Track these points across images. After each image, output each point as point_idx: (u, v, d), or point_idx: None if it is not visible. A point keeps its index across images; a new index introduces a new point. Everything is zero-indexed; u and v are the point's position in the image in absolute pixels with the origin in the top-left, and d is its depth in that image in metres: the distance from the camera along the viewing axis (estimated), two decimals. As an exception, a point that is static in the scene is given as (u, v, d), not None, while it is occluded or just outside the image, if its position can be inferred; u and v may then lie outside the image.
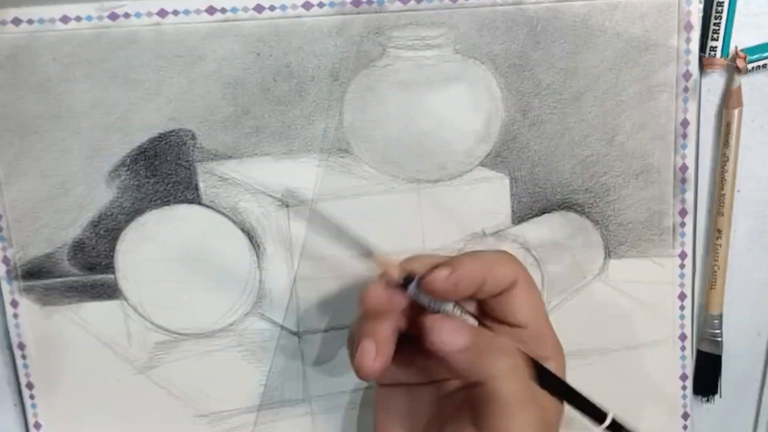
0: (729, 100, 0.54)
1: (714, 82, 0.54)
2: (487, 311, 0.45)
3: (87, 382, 0.54)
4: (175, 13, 0.50)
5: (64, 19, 0.49)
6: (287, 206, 0.53)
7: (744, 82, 0.53)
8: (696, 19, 0.52)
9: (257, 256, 0.54)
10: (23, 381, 0.54)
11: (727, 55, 0.53)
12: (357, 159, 0.53)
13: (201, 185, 0.52)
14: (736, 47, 0.53)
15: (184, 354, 0.54)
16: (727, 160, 0.54)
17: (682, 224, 0.55)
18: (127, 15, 0.50)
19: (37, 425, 0.54)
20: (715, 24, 0.52)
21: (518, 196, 0.54)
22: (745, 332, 0.58)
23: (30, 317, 0.53)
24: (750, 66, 0.52)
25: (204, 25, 0.50)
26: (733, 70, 0.53)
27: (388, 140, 0.53)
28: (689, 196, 0.55)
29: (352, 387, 0.56)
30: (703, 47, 0.53)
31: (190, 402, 0.55)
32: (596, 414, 0.45)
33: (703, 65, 0.53)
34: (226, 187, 0.52)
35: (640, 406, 0.57)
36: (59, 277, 0.53)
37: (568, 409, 0.45)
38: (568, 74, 0.52)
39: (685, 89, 0.53)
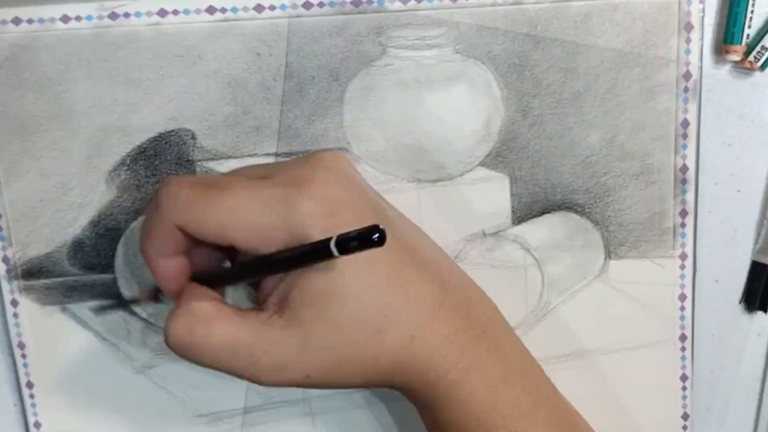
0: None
1: (714, 82, 0.54)
2: None
3: (87, 382, 0.54)
4: (175, 12, 0.50)
5: (64, 19, 0.49)
6: (287, 206, 0.52)
7: (745, 82, 0.53)
8: (696, 19, 0.52)
9: (257, 256, 0.53)
10: (23, 381, 0.54)
11: (740, 42, 0.52)
12: (357, 159, 0.53)
13: (201, 185, 0.52)
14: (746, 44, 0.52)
15: (184, 354, 0.54)
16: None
17: (683, 225, 0.55)
18: (127, 15, 0.50)
19: (37, 425, 0.54)
20: (734, 13, 0.51)
21: (518, 196, 0.54)
22: (744, 332, 0.58)
23: (30, 317, 0.53)
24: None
25: (204, 24, 0.50)
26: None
27: (388, 140, 0.53)
28: (689, 196, 0.54)
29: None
30: (725, 36, 0.52)
31: (190, 402, 0.55)
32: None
33: (723, 52, 0.52)
34: (226, 187, 0.52)
35: (640, 406, 0.57)
36: (59, 276, 0.53)
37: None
38: (568, 74, 0.52)
39: (685, 89, 0.53)
